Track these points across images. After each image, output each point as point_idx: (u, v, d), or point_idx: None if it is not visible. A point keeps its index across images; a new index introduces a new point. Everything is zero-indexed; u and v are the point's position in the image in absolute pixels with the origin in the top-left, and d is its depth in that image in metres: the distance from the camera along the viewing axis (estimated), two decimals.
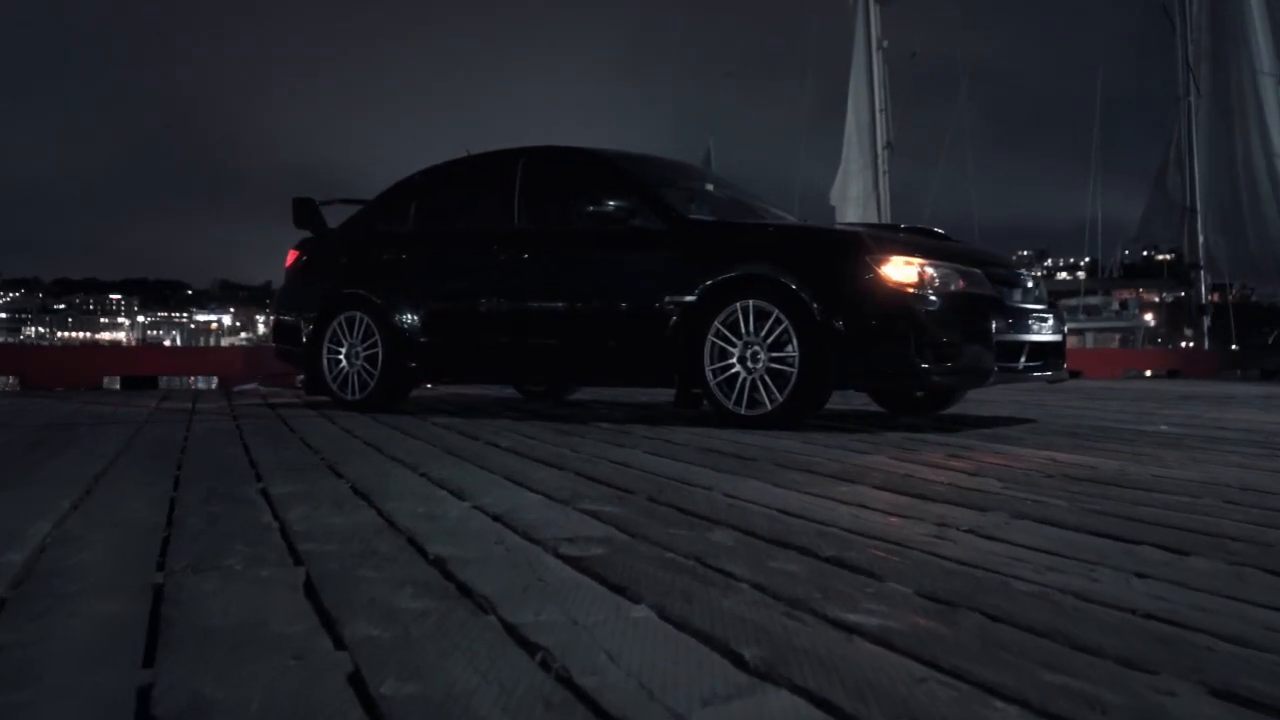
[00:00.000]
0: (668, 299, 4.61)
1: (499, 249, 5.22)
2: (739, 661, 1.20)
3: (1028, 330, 4.52)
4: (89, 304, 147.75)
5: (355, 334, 5.63)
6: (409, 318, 5.49)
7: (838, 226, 5.72)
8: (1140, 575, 1.68)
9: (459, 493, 2.59)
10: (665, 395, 5.68)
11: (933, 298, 4.21)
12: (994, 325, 4.33)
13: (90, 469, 3.08)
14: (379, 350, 5.54)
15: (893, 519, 2.23)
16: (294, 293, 6.05)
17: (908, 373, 4.21)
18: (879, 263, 4.23)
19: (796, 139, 19.79)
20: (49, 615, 1.43)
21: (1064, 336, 4.81)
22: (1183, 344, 17.62)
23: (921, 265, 4.25)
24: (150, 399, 6.94)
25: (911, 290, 4.19)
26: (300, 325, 5.85)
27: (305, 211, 6.01)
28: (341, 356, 5.67)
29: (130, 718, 1.04)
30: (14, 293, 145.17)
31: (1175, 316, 19.42)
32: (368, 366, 5.58)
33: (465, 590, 1.56)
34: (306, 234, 6.12)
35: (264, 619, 1.39)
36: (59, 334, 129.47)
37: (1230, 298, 18.95)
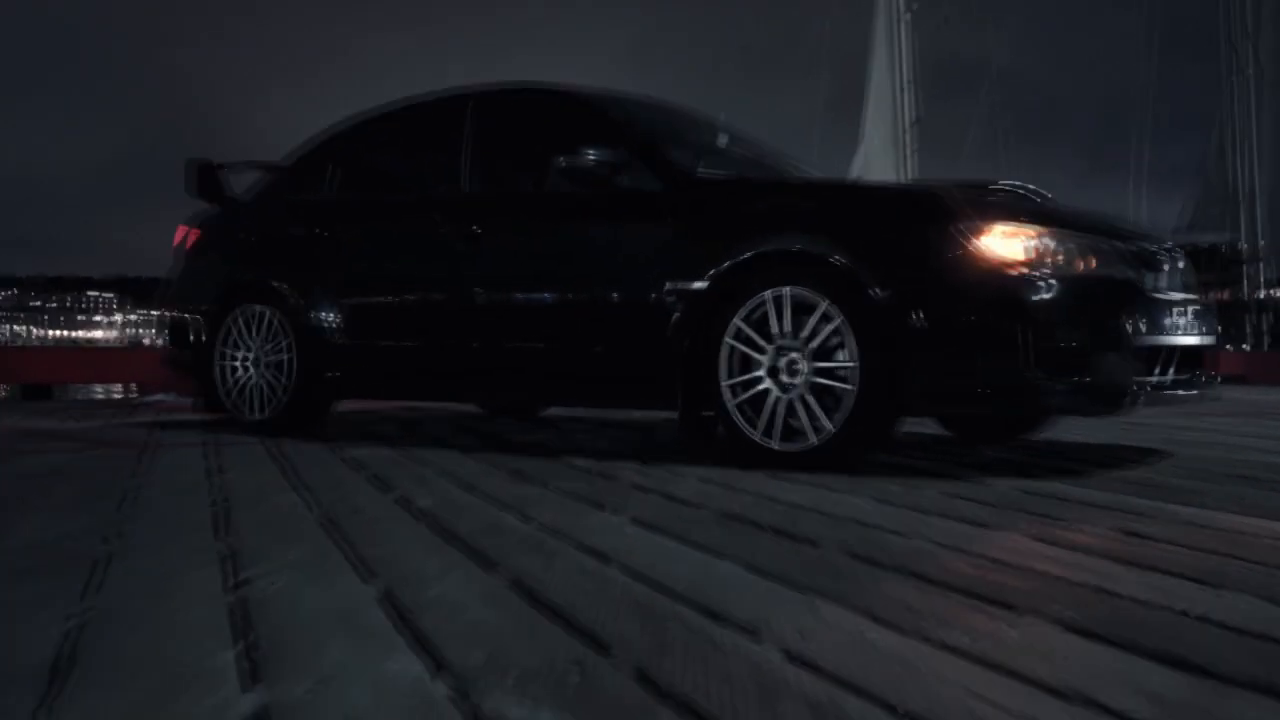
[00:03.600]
0: (668, 287, 3.30)
1: (441, 221, 3.90)
2: None
3: (1175, 330, 3.20)
4: (81, 302, 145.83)
5: (260, 334, 4.31)
6: (328, 314, 4.18)
7: (908, 184, 4.38)
8: None
9: (262, 655, 1.29)
10: (665, 412, 4.34)
11: (1052, 282, 2.90)
12: (1135, 324, 3.03)
13: None
14: (290, 355, 4.23)
15: None
16: (185, 281, 4.71)
17: (1018, 391, 2.89)
18: (974, 232, 2.92)
19: (809, 127, 18.47)
20: None
21: (1217, 338, 3.49)
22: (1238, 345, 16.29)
23: (1034, 236, 2.94)
24: (16, 415, 5.61)
25: (1022, 272, 2.89)
26: (190, 322, 4.53)
27: (203, 178, 4.67)
28: (239, 363, 4.35)
29: None
30: (5, 291, 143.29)
31: (1224, 316, 18.12)
32: (275, 376, 4.26)
33: None
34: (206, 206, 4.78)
35: None
36: (49, 333, 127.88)
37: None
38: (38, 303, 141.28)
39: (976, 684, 1.20)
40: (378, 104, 4.63)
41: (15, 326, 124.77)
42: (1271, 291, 16.53)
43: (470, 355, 3.83)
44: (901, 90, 16.21)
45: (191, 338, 4.46)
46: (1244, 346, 15.85)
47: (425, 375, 4.05)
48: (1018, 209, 3.11)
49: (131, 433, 4.47)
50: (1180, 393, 3.24)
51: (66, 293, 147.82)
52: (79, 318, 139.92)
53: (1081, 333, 2.91)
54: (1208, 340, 3.35)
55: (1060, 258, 2.96)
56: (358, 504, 2.54)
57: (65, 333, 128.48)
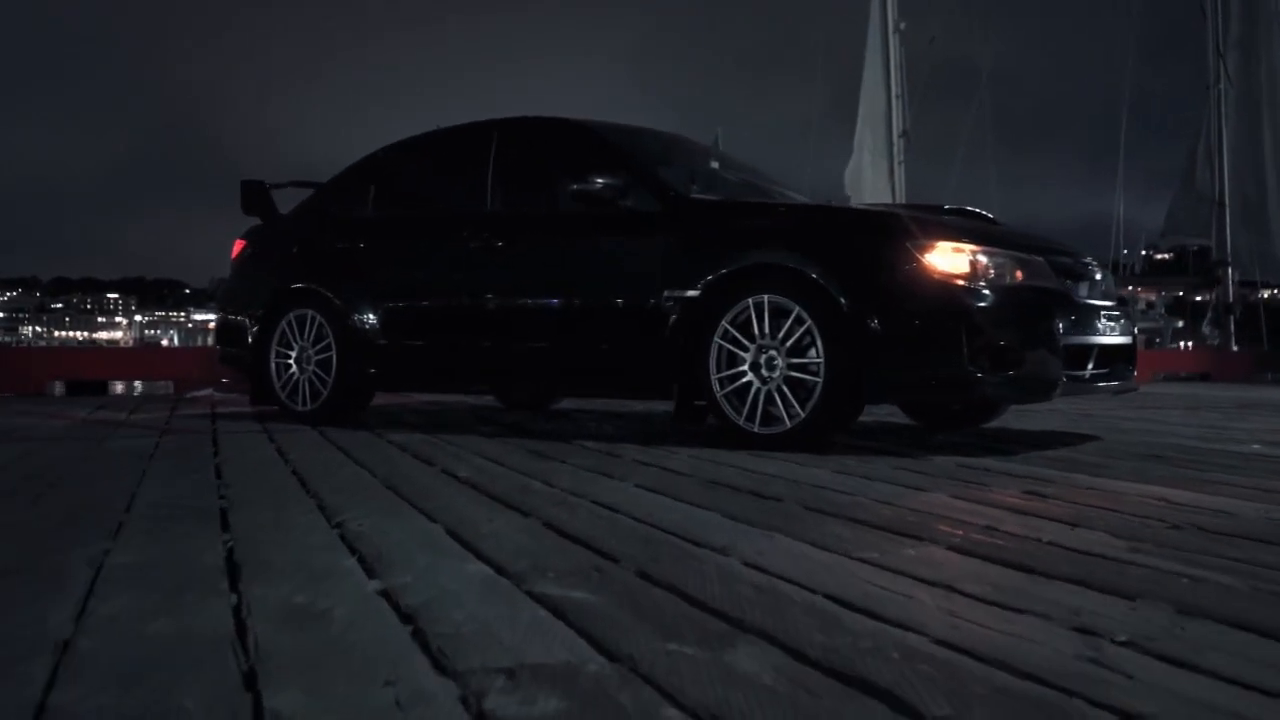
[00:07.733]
0: (666, 294, 3.86)
1: (469, 236, 4.46)
2: None
3: (1096, 331, 3.76)
4: (87, 303, 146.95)
5: (307, 335, 4.87)
6: (367, 316, 4.73)
7: (871, 206, 4.95)
8: None
9: (373, 562, 1.84)
10: (663, 404, 4.90)
11: (988, 292, 3.46)
12: (1060, 325, 3.58)
13: None
14: (333, 354, 4.78)
15: (1007, 617, 1.48)
16: (239, 288, 5.28)
17: (960, 383, 3.45)
18: (923, 249, 3.47)
19: (807, 132, 18.99)
20: None
21: (1135, 339, 4.06)
22: (1205, 345, 16.83)
23: (974, 252, 3.50)
24: (86, 408, 6.18)
25: (963, 283, 3.44)
26: (245, 325, 5.09)
27: (254, 195, 5.24)
28: (291, 361, 4.91)
29: None
30: (11, 292, 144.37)
31: (1194, 316, 18.61)
32: (320, 372, 4.82)
33: None
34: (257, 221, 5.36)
35: None
36: (56, 333, 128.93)
37: (1254, 296, 18.08)
38: (58, 305, 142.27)
39: (875, 582, 1.74)
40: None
41: (37, 328, 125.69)
42: (1247, 293, 17.08)
43: (494, 353, 4.39)
44: (891, 104, 16.77)
45: (249, 339, 5.01)
46: (1214, 344, 16.41)
47: (454, 371, 4.61)
48: (962, 229, 3.67)
49: (197, 423, 5.04)
50: (1101, 384, 3.81)
51: (85, 294, 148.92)
52: (99, 319, 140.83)
53: (1013, 333, 3.46)
54: (1126, 340, 3.91)
55: (996, 271, 3.51)
56: (409, 474, 3.09)
57: (85, 334, 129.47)
